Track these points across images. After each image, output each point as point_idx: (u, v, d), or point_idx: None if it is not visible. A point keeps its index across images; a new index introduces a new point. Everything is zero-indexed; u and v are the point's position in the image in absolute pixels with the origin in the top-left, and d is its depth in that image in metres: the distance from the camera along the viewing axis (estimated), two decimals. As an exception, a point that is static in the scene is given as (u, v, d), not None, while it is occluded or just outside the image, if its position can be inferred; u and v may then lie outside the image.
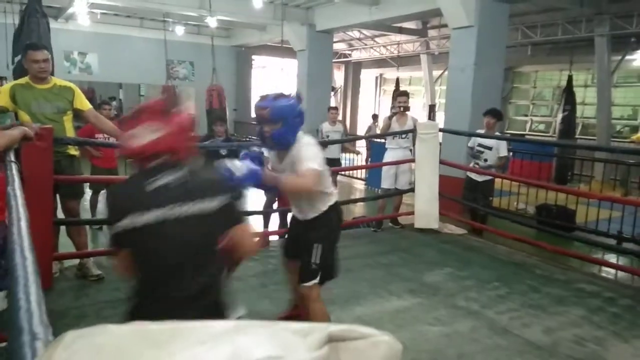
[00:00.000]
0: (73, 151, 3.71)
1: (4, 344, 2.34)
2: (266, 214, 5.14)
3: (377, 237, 5.42)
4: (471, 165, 5.82)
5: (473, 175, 5.73)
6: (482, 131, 5.73)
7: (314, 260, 2.57)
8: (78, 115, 3.71)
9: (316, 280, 2.61)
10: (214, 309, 1.55)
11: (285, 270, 3.03)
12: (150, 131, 1.50)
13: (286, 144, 2.45)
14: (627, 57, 11.10)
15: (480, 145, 5.65)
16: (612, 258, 5.16)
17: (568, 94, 8.97)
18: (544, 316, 3.40)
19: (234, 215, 1.64)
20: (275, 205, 5.14)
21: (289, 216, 5.51)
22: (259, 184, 2.32)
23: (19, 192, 1.76)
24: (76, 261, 3.90)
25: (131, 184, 1.64)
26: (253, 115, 15.60)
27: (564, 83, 11.12)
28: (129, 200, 1.51)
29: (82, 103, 3.67)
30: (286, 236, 3.02)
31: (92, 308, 3.33)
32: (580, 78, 13.07)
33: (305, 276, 2.61)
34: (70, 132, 3.67)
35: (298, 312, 2.91)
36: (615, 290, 3.92)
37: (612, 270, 4.68)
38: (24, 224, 1.39)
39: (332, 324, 0.57)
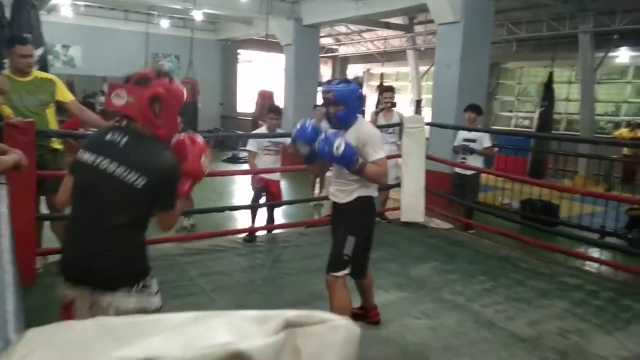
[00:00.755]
0: (57, 145, 3.65)
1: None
2: (253, 208, 5.12)
3: (364, 231, 5.42)
4: (457, 161, 5.90)
5: (460, 170, 5.81)
6: (464, 123, 5.88)
7: (346, 251, 2.66)
8: (61, 107, 3.65)
9: (346, 271, 2.69)
10: (109, 258, 1.68)
11: None
12: (124, 95, 1.71)
13: (347, 123, 2.70)
14: (610, 53, 11.25)
15: (465, 139, 5.78)
16: (595, 252, 5.24)
17: (547, 90, 9.07)
18: (529, 309, 3.44)
19: (160, 199, 1.78)
20: (262, 200, 5.12)
21: (276, 211, 5.53)
22: (348, 164, 2.56)
23: (5, 212, 1.75)
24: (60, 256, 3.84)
25: (98, 132, 1.96)
26: (239, 109, 15.59)
27: (548, 79, 11.25)
28: (87, 141, 1.84)
29: (65, 95, 3.61)
30: (330, 221, 3.09)
31: (77, 304, 3.29)
32: (564, 74, 13.23)
33: (334, 266, 2.69)
34: (53, 125, 3.61)
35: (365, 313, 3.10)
36: (598, 284, 3.99)
37: (595, 264, 4.76)
38: (5, 241, 1.38)
39: (291, 310, 0.57)
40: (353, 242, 2.67)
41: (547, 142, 9.23)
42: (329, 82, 2.80)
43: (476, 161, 5.78)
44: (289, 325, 0.55)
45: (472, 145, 5.72)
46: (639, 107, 12.55)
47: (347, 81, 2.73)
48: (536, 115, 10.35)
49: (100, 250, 1.69)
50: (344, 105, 2.65)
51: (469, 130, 5.76)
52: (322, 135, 2.58)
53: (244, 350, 0.49)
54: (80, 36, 12.63)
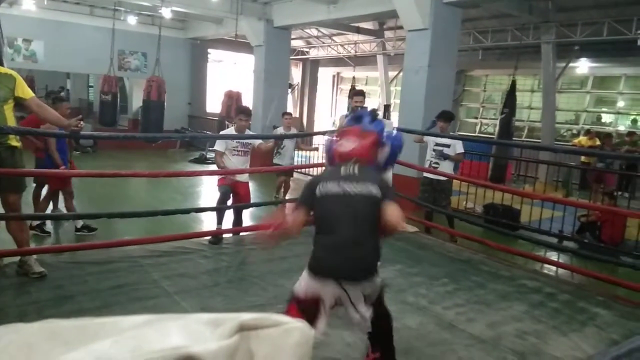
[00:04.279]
0: (14, 142, 3.52)
1: None
2: (220, 210, 5.07)
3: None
4: (427, 165, 5.94)
5: (432, 176, 5.84)
6: (436, 131, 5.91)
7: None
8: (20, 104, 3.53)
9: None
10: (361, 259, 2.17)
11: None
12: (351, 143, 2.38)
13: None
14: (571, 64, 11.66)
15: (437, 144, 5.83)
16: (553, 256, 5.41)
17: (508, 98, 9.32)
18: (489, 311, 3.53)
19: (383, 197, 2.21)
20: (229, 202, 5.07)
21: (244, 213, 5.49)
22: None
23: None
24: (17, 258, 3.72)
25: (329, 172, 2.46)
26: (208, 109, 15.30)
27: (512, 87, 11.55)
28: (322, 178, 2.32)
29: (24, 91, 3.49)
30: None
31: (34, 307, 3.19)
32: (527, 83, 13.63)
33: None
34: (11, 122, 3.48)
35: None
36: (555, 286, 4.12)
37: (554, 267, 4.92)
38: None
39: (246, 313, 0.57)
40: None
41: (509, 148, 9.47)
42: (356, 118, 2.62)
43: (448, 167, 5.83)
44: (243, 328, 0.55)
45: (445, 150, 5.77)
46: (597, 117, 13.05)
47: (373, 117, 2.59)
48: (497, 122, 10.61)
49: None
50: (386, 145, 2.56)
51: (438, 135, 5.81)
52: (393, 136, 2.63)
53: (196, 355, 0.49)
54: (43, 30, 12.24)
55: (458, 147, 5.81)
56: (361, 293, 2.18)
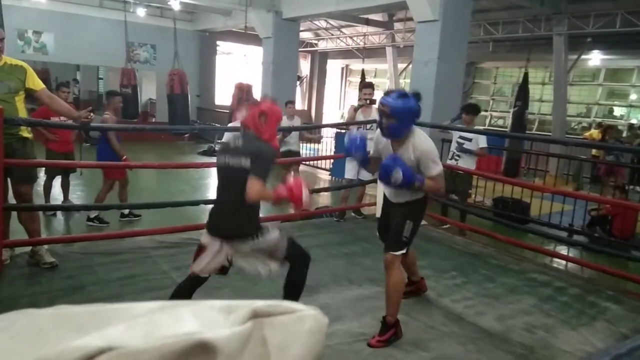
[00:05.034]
0: (26, 133, 3.55)
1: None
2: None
3: (339, 227, 5.46)
4: (449, 157, 5.88)
5: (452, 164, 5.73)
6: (461, 124, 5.86)
7: (405, 234, 2.89)
8: (31, 96, 3.56)
9: (404, 251, 2.91)
10: (233, 222, 2.57)
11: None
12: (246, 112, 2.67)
13: (398, 136, 2.81)
14: (583, 56, 11.52)
15: (460, 137, 5.78)
16: (563, 249, 5.38)
17: (520, 90, 9.23)
18: (497, 305, 3.52)
19: (251, 170, 2.45)
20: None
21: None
22: (408, 188, 2.80)
23: None
24: (28, 248, 3.76)
25: (225, 143, 2.91)
26: (217, 102, 15.35)
27: (523, 80, 11.45)
28: (218, 150, 2.75)
29: (35, 83, 3.51)
30: (379, 219, 3.42)
31: (45, 296, 3.22)
32: (538, 76, 13.50)
33: (394, 246, 2.91)
34: (22, 113, 3.50)
35: (416, 287, 3.48)
36: (565, 280, 4.10)
37: (563, 262, 4.89)
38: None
39: (259, 300, 0.57)
40: (411, 226, 2.90)
41: (522, 141, 9.40)
42: (388, 93, 2.83)
43: (470, 161, 5.75)
44: (256, 315, 0.55)
45: (467, 145, 5.71)
46: (609, 109, 12.90)
47: (405, 95, 2.76)
48: (510, 115, 10.52)
49: None
50: (398, 120, 2.73)
51: (449, 129, 5.77)
52: (383, 166, 2.77)
53: (209, 340, 0.49)
54: (53, 22, 12.29)
55: (481, 141, 5.71)
56: (250, 249, 2.59)
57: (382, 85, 16.93)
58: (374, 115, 5.67)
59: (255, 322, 0.54)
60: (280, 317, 0.55)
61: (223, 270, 2.76)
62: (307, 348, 0.55)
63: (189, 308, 0.54)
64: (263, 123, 2.57)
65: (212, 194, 7.50)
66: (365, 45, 15.42)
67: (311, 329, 0.56)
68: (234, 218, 2.56)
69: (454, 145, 5.87)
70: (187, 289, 2.80)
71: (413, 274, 3.46)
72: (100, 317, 0.51)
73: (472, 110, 5.88)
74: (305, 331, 0.55)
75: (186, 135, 14.21)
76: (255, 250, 2.61)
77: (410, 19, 11.36)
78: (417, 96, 2.81)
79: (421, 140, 2.81)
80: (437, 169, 2.79)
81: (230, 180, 2.54)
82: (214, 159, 2.88)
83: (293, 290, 2.79)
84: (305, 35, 16.82)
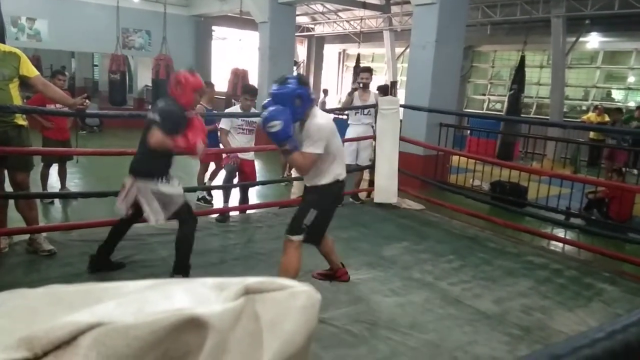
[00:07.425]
0: (21, 121, 3.53)
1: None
2: (226, 188, 5.08)
3: (337, 212, 5.39)
4: None
5: None
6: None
7: (305, 221, 2.94)
8: (25, 83, 3.53)
9: (300, 237, 2.96)
10: (136, 162, 3.22)
11: None
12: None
13: (296, 119, 2.86)
14: (581, 39, 11.44)
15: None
16: (560, 232, 5.40)
17: (517, 74, 9.16)
18: (494, 287, 3.54)
19: (158, 122, 3.01)
20: (235, 180, 5.08)
21: (250, 191, 5.51)
22: (277, 143, 2.83)
23: None
24: (27, 236, 3.76)
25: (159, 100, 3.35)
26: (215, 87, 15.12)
27: (521, 63, 11.38)
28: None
29: (29, 70, 3.48)
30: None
31: (43, 284, 3.18)
32: (536, 59, 13.42)
33: (290, 230, 2.98)
34: (17, 101, 3.48)
35: (333, 274, 3.45)
36: (562, 263, 4.13)
37: (560, 244, 4.91)
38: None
39: (251, 277, 0.57)
40: (314, 215, 2.94)
41: (517, 125, 9.36)
42: (275, 82, 2.94)
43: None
44: (248, 291, 0.55)
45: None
46: (607, 92, 12.86)
47: (285, 81, 2.85)
48: (506, 98, 10.47)
49: None
50: (281, 105, 2.80)
51: (441, 112, 5.76)
52: (269, 110, 2.78)
53: (200, 316, 0.49)
54: (47, 9, 12.14)
55: None
56: (150, 190, 3.06)
57: (379, 70, 16.83)
58: (372, 100, 5.65)
59: (247, 298, 0.54)
60: (273, 294, 0.55)
61: (136, 216, 3.27)
62: (300, 324, 0.55)
63: (181, 286, 0.54)
64: (179, 90, 3.10)
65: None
66: (363, 30, 15.29)
67: (304, 305, 0.56)
68: (140, 158, 3.18)
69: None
70: (124, 225, 3.40)
71: (331, 262, 3.42)
72: (92, 295, 0.51)
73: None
74: (298, 307, 0.55)
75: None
76: (154, 193, 3.07)
77: (408, 2, 11.25)
78: (299, 79, 2.89)
79: (313, 122, 2.88)
80: (310, 148, 2.83)
81: (145, 129, 3.10)
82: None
83: (181, 246, 3.21)
84: (301, 20, 16.67)
